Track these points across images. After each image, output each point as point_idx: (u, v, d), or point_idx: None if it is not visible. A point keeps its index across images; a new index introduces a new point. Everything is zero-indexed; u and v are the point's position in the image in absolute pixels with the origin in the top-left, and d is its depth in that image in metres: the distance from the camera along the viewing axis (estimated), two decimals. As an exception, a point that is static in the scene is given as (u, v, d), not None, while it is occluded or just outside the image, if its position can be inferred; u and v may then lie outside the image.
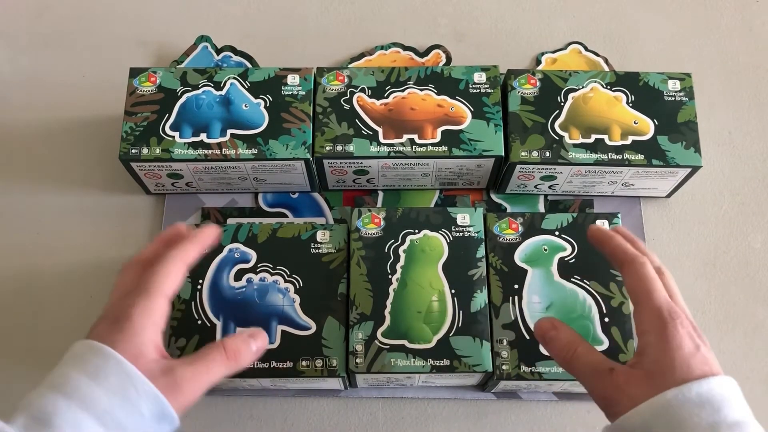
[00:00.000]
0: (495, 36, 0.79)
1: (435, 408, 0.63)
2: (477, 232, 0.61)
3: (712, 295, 0.67)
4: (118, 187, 0.70)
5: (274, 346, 0.58)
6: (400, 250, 0.60)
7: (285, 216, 0.69)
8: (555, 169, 0.64)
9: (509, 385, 0.60)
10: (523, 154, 0.63)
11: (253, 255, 0.61)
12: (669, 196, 0.69)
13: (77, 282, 0.67)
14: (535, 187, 0.68)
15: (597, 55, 0.77)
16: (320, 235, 0.61)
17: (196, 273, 0.60)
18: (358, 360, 0.57)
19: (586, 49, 0.77)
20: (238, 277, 0.60)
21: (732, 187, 0.72)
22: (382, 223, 0.61)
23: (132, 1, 0.80)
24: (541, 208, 0.70)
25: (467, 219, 0.61)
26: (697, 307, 0.67)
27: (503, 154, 0.63)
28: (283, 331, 0.58)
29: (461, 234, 0.61)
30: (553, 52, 0.77)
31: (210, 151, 0.63)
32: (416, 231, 0.61)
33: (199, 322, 0.58)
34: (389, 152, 0.63)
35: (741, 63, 0.77)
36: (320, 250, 0.61)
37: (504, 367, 0.57)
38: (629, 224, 0.68)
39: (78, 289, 0.67)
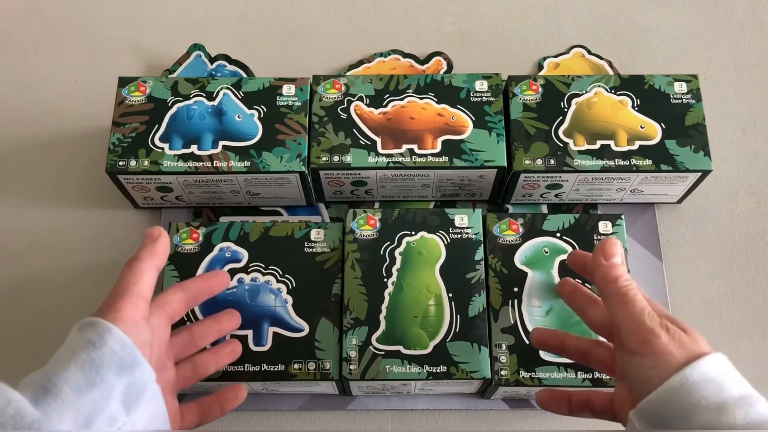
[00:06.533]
0: (498, 37, 0.77)
1: (446, 419, 0.61)
2: (475, 234, 0.60)
3: (729, 297, 0.66)
4: (111, 198, 0.69)
5: (266, 348, 0.57)
6: (396, 253, 0.59)
7: (279, 214, 0.68)
8: (560, 177, 0.63)
9: (509, 391, 0.58)
10: (526, 162, 0.61)
11: (244, 254, 0.60)
12: (680, 201, 0.68)
13: (69, 294, 0.66)
14: (541, 196, 0.66)
15: (601, 58, 0.75)
16: (314, 234, 0.60)
17: (186, 274, 0.59)
18: (351, 367, 0.56)
19: (589, 52, 0.76)
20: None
21: (747, 185, 0.70)
22: (378, 224, 0.60)
23: (124, 8, 0.79)
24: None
25: (465, 221, 0.60)
26: (714, 309, 0.66)
27: (506, 165, 0.62)
28: (275, 333, 0.57)
29: (459, 236, 0.59)
30: (556, 56, 0.76)
31: (201, 164, 0.61)
32: (413, 233, 0.60)
33: (188, 323, 0.57)
34: (388, 163, 0.61)
35: (753, 59, 0.76)
36: (314, 250, 0.60)
37: (502, 372, 0.56)
38: (643, 227, 0.67)
39: (70, 301, 0.65)
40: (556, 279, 0.59)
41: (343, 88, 0.64)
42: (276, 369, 0.56)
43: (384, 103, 0.64)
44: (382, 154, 0.62)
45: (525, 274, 0.59)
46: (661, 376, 0.41)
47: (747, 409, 0.39)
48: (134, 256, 0.47)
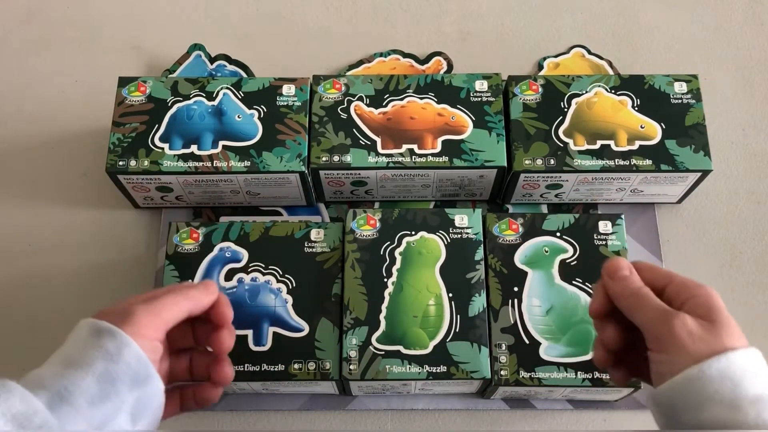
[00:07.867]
0: (498, 37, 0.77)
1: (446, 419, 0.61)
2: (475, 234, 0.59)
3: (729, 297, 0.66)
4: (111, 199, 0.69)
5: (266, 348, 0.57)
6: (396, 253, 0.59)
7: (279, 214, 0.68)
8: (560, 177, 0.62)
9: (509, 391, 0.58)
10: (526, 162, 0.61)
11: (244, 254, 0.60)
12: (680, 201, 0.68)
13: (69, 294, 0.66)
14: (541, 196, 0.66)
15: (601, 58, 0.75)
16: (314, 234, 0.60)
17: (185, 274, 0.59)
18: (351, 367, 0.55)
19: (589, 52, 0.75)
20: (229, 277, 0.59)
21: (747, 185, 0.70)
22: (378, 224, 0.60)
23: (124, 8, 0.79)
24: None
25: (465, 220, 0.60)
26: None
27: (506, 165, 0.61)
28: (275, 333, 0.57)
29: (459, 236, 0.59)
30: (556, 56, 0.75)
31: (201, 164, 0.61)
32: (413, 233, 0.60)
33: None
34: (388, 163, 0.61)
35: (753, 58, 0.76)
36: (314, 250, 0.60)
37: (502, 372, 0.56)
38: (643, 227, 0.67)
39: (70, 301, 0.65)
40: (557, 278, 0.59)
41: (343, 88, 0.64)
42: (276, 369, 0.56)
43: (384, 103, 0.64)
44: (382, 154, 0.62)
45: (525, 274, 0.59)
46: (672, 371, 0.41)
47: (760, 409, 0.38)
48: (187, 289, 0.47)
